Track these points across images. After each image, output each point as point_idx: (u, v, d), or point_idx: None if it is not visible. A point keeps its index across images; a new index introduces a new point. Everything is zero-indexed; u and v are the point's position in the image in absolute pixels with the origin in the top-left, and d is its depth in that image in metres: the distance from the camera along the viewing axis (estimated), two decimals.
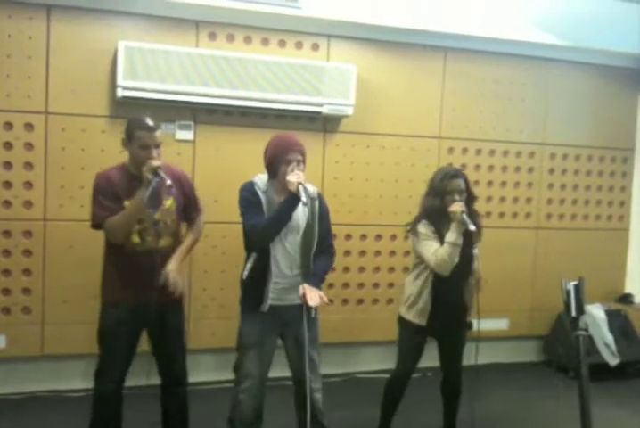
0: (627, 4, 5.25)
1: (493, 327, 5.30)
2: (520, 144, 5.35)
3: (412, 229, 3.48)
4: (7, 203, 4.15)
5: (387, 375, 3.68)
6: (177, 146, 4.46)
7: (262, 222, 3.04)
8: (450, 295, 3.43)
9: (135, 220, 3.02)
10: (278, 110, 4.52)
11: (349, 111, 4.66)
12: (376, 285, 5.01)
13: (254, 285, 3.12)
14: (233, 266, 4.29)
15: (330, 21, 4.60)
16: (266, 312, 3.11)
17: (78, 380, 4.22)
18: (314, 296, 3.06)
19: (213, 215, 4.47)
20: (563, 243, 5.49)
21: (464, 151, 5.19)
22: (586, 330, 2.69)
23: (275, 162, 3.10)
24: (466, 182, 3.44)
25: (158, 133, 3.06)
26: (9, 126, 4.13)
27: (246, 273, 3.15)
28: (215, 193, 4.47)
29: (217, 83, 4.32)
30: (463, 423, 3.76)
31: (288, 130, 4.24)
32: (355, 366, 4.99)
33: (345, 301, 4.92)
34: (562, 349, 5.21)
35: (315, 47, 4.74)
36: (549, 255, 5.46)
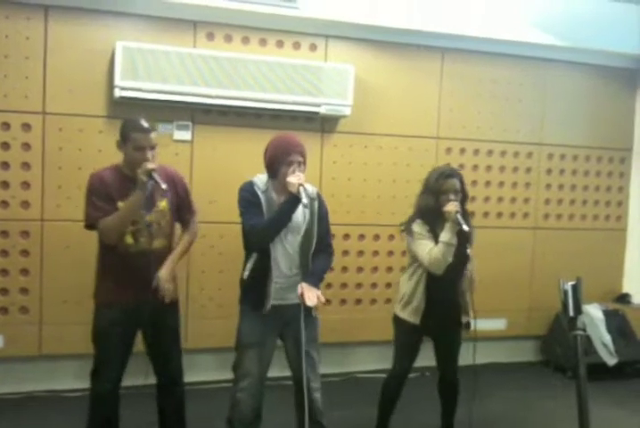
0: (626, 5, 5.26)
1: (491, 327, 5.31)
2: (517, 144, 5.36)
3: (406, 228, 3.49)
4: (4, 203, 4.15)
5: (385, 375, 3.68)
6: (175, 146, 4.46)
7: (261, 222, 3.04)
8: (444, 294, 3.43)
9: (129, 221, 3.02)
10: (276, 110, 4.52)
11: (347, 111, 4.66)
12: (374, 285, 5.01)
13: (255, 285, 3.12)
14: (231, 266, 4.29)
15: (327, 22, 4.60)
16: (267, 311, 3.11)
17: (76, 380, 4.22)
18: (311, 296, 3.06)
19: (210, 215, 4.48)
20: (561, 243, 5.49)
21: (462, 151, 5.19)
22: (584, 330, 2.69)
23: (276, 163, 3.10)
24: (461, 182, 3.44)
25: (153, 134, 3.06)
26: (6, 126, 4.12)
27: (247, 273, 3.15)
28: (212, 193, 4.48)
29: (215, 83, 4.32)
30: (461, 423, 3.77)
31: (286, 130, 4.25)
32: (353, 365, 5.00)
33: (343, 301, 4.92)
34: (559, 349, 5.22)
35: (313, 48, 4.74)
36: (547, 255, 5.46)
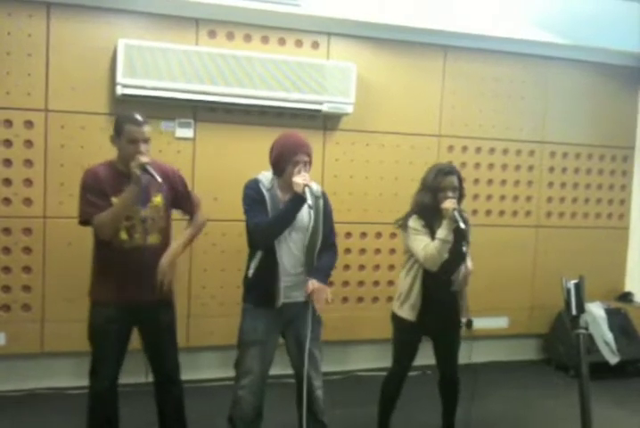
0: (627, 3, 5.24)
1: (492, 325, 5.32)
2: (519, 142, 5.35)
3: (402, 224, 3.49)
4: (7, 201, 4.15)
5: (386, 373, 3.68)
6: (177, 144, 4.46)
7: (266, 221, 3.05)
8: (441, 292, 3.43)
9: (124, 217, 3.00)
10: (278, 108, 4.52)
11: (349, 109, 4.66)
12: (376, 283, 5.01)
13: (261, 283, 3.12)
14: (233, 264, 4.32)
15: (330, 19, 4.60)
16: (269, 309, 3.11)
17: (78, 377, 4.20)
18: (321, 297, 3.09)
19: (213, 213, 4.45)
20: (563, 242, 5.49)
21: (464, 149, 5.19)
22: (587, 328, 2.69)
23: (282, 162, 3.10)
24: (459, 179, 3.44)
25: (146, 128, 3.04)
26: (9, 123, 4.12)
27: (251, 271, 3.15)
28: (215, 191, 4.47)
29: (217, 81, 4.32)
30: (462, 422, 3.77)
31: (288, 128, 4.25)
32: (355, 363, 5.00)
33: (345, 299, 4.92)
34: (561, 348, 5.22)
35: (315, 45, 4.73)
36: (549, 253, 5.46)
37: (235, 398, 3.16)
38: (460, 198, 3.44)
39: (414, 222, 3.41)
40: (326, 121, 4.80)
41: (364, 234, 4.96)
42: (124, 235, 3.04)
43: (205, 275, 4.57)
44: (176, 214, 3.32)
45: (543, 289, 5.39)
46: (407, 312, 3.44)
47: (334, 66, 4.61)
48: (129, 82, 4.13)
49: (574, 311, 2.74)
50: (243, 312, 3.21)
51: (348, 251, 4.86)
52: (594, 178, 5.62)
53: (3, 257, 4.17)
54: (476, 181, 5.22)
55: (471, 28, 4.88)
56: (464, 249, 3.41)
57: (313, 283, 3.11)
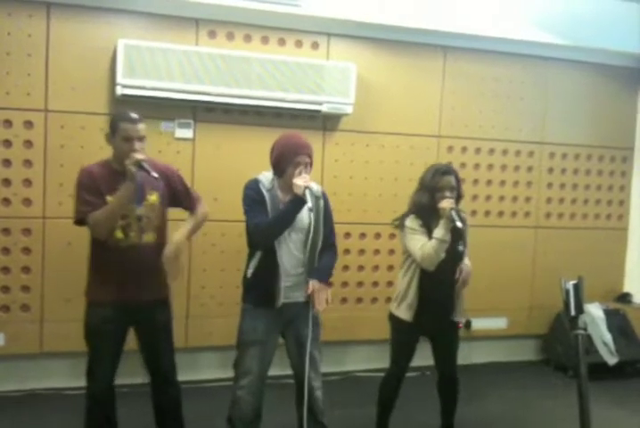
0: (627, 4, 5.25)
1: (491, 326, 5.32)
2: (519, 142, 5.35)
3: (399, 224, 3.49)
4: (6, 201, 4.15)
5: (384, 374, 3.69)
6: (177, 144, 4.46)
7: (265, 222, 3.05)
8: (438, 292, 3.43)
9: (119, 215, 2.99)
10: (278, 108, 4.52)
11: (349, 109, 4.66)
12: (375, 284, 5.02)
13: (260, 283, 3.12)
14: (233, 264, 4.32)
15: (330, 20, 4.60)
16: (269, 309, 3.11)
17: (77, 377, 4.17)
18: (322, 299, 3.10)
19: (212, 213, 4.43)
20: (562, 242, 5.49)
21: (464, 149, 5.19)
22: (585, 329, 2.69)
23: (283, 162, 3.10)
24: (457, 179, 3.44)
25: (141, 126, 3.03)
26: (8, 123, 4.12)
27: (250, 271, 3.15)
28: (214, 192, 4.47)
29: (217, 81, 4.32)
30: (462, 422, 3.77)
31: (288, 128, 4.25)
32: (354, 364, 5.00)
33: (344, 300, 4.92)
34: (560, 348, 5.22)
35: (315, 46, 4.73)
36: (548, 254, 5.46)
37: (234, 398, 3.16)
38: (458, 198, 3.44)
39: (411, 222, 3.42)
40: (326, 122, 4.80)
41: (363, 235, 4.96)
42: (119, 234, 3.03)
43: (204, 275, 4.57)
44: (172, 214, 3.31)
45: (542, 290, 5.40)
46: (404, 312, 3.45)
47: (334, 66, 4.61)
48: (129, 82, 4.13)
49: (573, 312, 2.74)
50: (243, 312, 3.21)
51: (347, 251, 4.86)
52: (594, 179, 5.63)
53: (2, 257, 4.17)
54: (475, 182, 5.23)
55: (471, 29, 4.89)
56: (461, 248, 3.42)
57: (313, 284, 3.11)
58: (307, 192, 3.03)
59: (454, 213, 3.22)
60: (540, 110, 5.40)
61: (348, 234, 4.87)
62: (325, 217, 3.25)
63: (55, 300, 4.22)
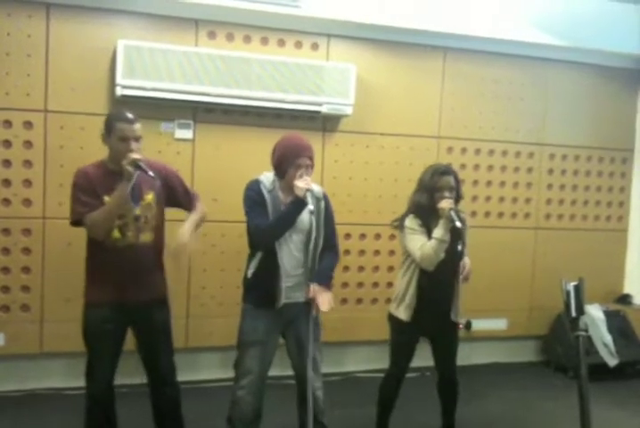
0: (626, 5, 5.25)
1: (491, 327, 5.32)
2: (519, 144, 5.35)
3: (399, 224, 3.49)
4: (6, 201, 4.15)
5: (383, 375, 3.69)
6: (177, 145, 4.46)
7: (266, 223, 3.05)
8: (437, 292, 3.43)
9: (117, 215, 2.98)
10: (278, 109, 4.52)
11: (349, 110, 4.66)
12: (375, 285, 5.01)
13: (261, 284, 3.12)
14: (233, 265, 4.32)
15: (329, 21, 4.60)
16: (270, 310, 3.11)
17: (77, 378, 4.17)
18: (325, 301, 3.11)
19: (212, 214, 4.44)
20: (562, 244, 5.49)
21: (463, 150, 5.19)
22: (586, 330, 2.68)
23: (284, 164, 3.10)
24: (456, 179, 3.44)
25: (137, 125, 3.03)
26: (8, 124, 4.12)
27: (251, 271, 3.15)
28: (214, 192, 4.47)
29: (217, 82, 4.32)
30: (462, 423, 3.77)
31: (288, 129, 4.25)
32: (354, 365, 5.00)
33: (344, 301, 4.92)
34: (560, 349, 5.22)
35: (315, 47, 4.74)
36: (548, 255, 5.46)
37: (234, 398, 3.16)
38: (458, 199, 3.45)
39: (410, 222, 3.42)
40: (326, 123, 4.80)
41: (363, 236, 4.96)
42: (117, 234, 3.03)
43: (204, 275, 4.57)
44: (171, 214, 3.31)
45: (542, 291, 5.40)
46: (403, 312, 3.45)
47: (334, 67, 4.61)
48: (129, 83, 4.13)
49: (573, 313, 2.73)
50: (243, 312, 3.21)
51: (347, 252, 4.86)
52: (594, 180, 5.63)
53: (2, 257, 4.16)
54: (475, 183, 5.23)
55: (471, 30, 4.89)
56: (460, 248, 3.41)
57: (314, 288, 3.11)
58: (309, 194, 3.03)
59: (453, 213, 3.23)
60: (540, 111, 5.40)
61: (348, 235, 4.86)
62: (326, 218, 3.25)
63: (55, 300, 4.21)
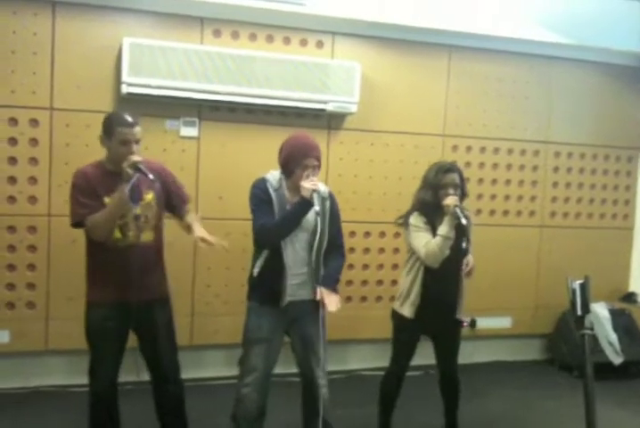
0: (631, 3, 5.23)
1: (496, 325, 5.32)
2: (524, 142, 5.34)
3: (404, 221, 3.49)
4: (12, 199, 4.16)
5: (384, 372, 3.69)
6: (182, 143, 4.46)
7: (272, 222, 3.05)
8: (442, 290, 3.43)
9: (118, 217, 2.99)
10: (283, 107, 4.52)
11: (354, 108, 4.66)
12: (380, 282, 5.01)
13: (266, 282, 3.12)
14: (238, 263, 4.33)
15: (334, 19, 4.59)
16: (274, 308, 3.11)
17: (82, 375, 4.19)
18: (333, 301, 3.11)
19: (217, 212, 4.48)
20: (567, 242, 5.48)
21: (468, 149, 5.18)
22: (592, 329, 2.69)
23: (292, 164, 3.09)
24: (461, 177, 3.44)
25: (138, 128, 3.03)
26: (14, 121, 4.13)
27: (256, 270, 3.15)
28: (219, 190, 4.48)
29: (222, 80, 4.32)
30: (465, 421, 3.77)
31: (292, 127, 4.27)
32: (358, 363, 5.00)
33: (349, 298, 4.92)
34: (565, 348, 5.21)
35: (320, 45, 4.73)
36: (553, 253, 5.45)
37: (239, 396, 3.16)
38: (462, 197, 3.44)
39: (415, 219, 3.42)
40: (331, 121, 4.80)
41: (367, 234, 4.96)
42: (118, 234, 3.03)
43: (209, 273, 4.57)
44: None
45: (547, 289, 5.39)
46: (407, 310, 3.45)
47: (339, 65, 4.61)
48: (134, 81, 4.14)
49: (579, 311, 2.73)
50: (248, 310, 3.22)
51: (352, 250, 4.85)
52: (599, 179, 5.62)
53: (7, 254, 4.18)
54: (480, 181, 5.22)
55: (476, 28, 4.88)
56: (464, 245, 3.41)
57: (321, 292, 3.11)
58: (315, 195, 3.03)
59: (458, 210, 3.22)
60: (545, 109, 5.39)
61: (352, 233, 4.86)
62: (332, 217, 3.25)
63: (60, 297, 4.22)
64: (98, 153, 3.30)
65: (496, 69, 5.20)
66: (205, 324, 4.56)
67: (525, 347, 5.54)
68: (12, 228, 4.17)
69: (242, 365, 3.19)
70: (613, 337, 5.10)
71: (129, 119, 3.02)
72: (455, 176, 3.39)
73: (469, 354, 4.89)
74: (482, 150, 5.22)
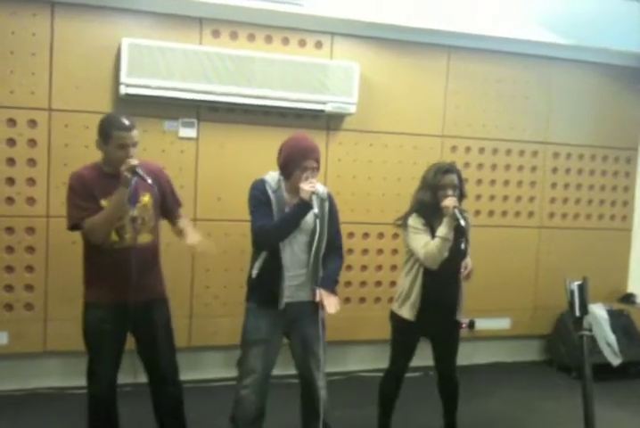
0: (630, 3, 5.23)
1: (495, 326, 5.31)
2: (523, 142, 5.34)
3: (402, 223, 3.49)
4: (10, 200, 4.15)
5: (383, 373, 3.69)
6: (180, 144, 4.46)
7: (270, 224, 3.05)
8: (441, 291, 3.43)
9: (116, 219, 2.98)
10: (281, 107, 4.52)
11: (352, 108, 4.65)
12: (378, 284, 5.01)
13: (265, 283, 3.12)
14: (236, 264, 4.33)
15: (333, 19, 4.59)
16: (273, 309, 3.11)
17: (81, 377, 4.17)
18: (331, 303, 3.11)
19: (216, 213, 4.48)
20: (566, 243, 5.48)
21: (467, 149, 5.18)
22: (590, 330, 2.69)
23: (291, 165, 3.09)
24: (459, 178, 3.44)
25: (135, 132, 3.01)
26: (12, 122, 4.12)
27: (255, 271, 3.14)
28: (218, 191, 4.48)
29: (221, 80, 4.32)
30: (464, 422, 3.77)
31: (291, 128, 4.26)
32: (356, 364, 5.00)
33: (347, 300, 4.91)
34: (564, 349, 5.21)
35: (319, 45, 4.73)
36: (552, 254, 5.45)
37: (238, 397, 3.16)
38: (461, 198, 3.44)
39: (413, 220, 3.42)
40: (329, 121, 4.79)
41: (366, 235, 4.95)
42: (114, 236, 3.02)
43: (208, 275, 4.57)
44: None
45: (545, 290, 5.39)
46: (407, 311, 3.44)
47: (337, 66, 4.61)
48: (133, 81, 4.13)
49: (577, 313, 2.74)
50: (247, 311, 3.21)
51: (350, 251, 4.85)
52: (598, 179, 5.62)
53: (6, 256, 4.17)
54: (479, 181, 5.22)
55: (475, 29, 4.87)
56: (463, 247, 3.41)
57: (321, 294, 3.11)
58: (314, 197, 3.03)
59: (457, 211, 3.22)
60: (544, 109, 5.39)
61: (351, 234, 4.86)
62: (331, 218, 3.25)
63: (59, 299, 4.21)
64: (97, 154, 3.29)
65: (495, 70, 5.20)
66: (204, 325, 4.56)
67: (524, 348, 5.54)
68: (10, 229, 4.16)
69: (240, 366, 3.19)
70: (612, 338, 5.11)
71: (126, 122, 3.00)
72: (453, 177, 3.40)
73: (468, 355, 4.90)
74: (481, 150, 5.23)
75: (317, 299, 3.10)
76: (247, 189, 3.19)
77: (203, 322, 4.56)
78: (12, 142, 4.13)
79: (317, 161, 3.12)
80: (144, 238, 3.11)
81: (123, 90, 4.14)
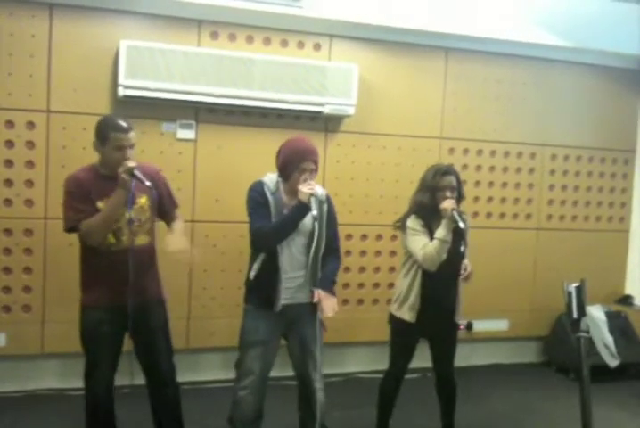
0: (629, 6, 5.25)
1: (493, 328, 5.32)
2: (521, 144, 5.35)
3: (401, 225, 3.50)
4: (8, 201, 4.15)
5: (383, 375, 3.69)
6: (179, 145, 4.46)
7: (268, 226, 3.05)
8: (440, 292, 3.43)
9: (113, 221, 2.98)
10: (280, 109, 4.52)
11: (351, 110, 4.66)
12: (376, 285, 5.01)
13: (262, 285, 3.12)
14: (234, 265, 4.33)
15: (332, 21, 4.60)
16: (271, 311, 3.11)
17: (78, 378, 4.18)
18: (329, 306, 3.12)
19: (213, 214, 4.49)
20: (564, 245, 5.49)
21: (465, 151, 5.19)
22: (588, 332, 2.69)
23: (289, 167, 3.10)
24: (458, 179, 3.45)
25: (132, 134, 3.01)
26: (10, 124, 4.12)
27: (253, 273, 3.15)
28: (216, 193, 4.48)
29: (219, 82, 4.32)
30: (463, 424, 3.77)
31: (290, 130, 4.26)
32: (354, 365, 5.00)
33: (345, 301, 4.91)
34: (562, 350, 5.21)
35: (317, 47, 4.73)
36: (550, 256, 5.46)
37: (236, 398, 3.16)
38: (459, 199, 3.45)
39: (412, 222, 3.42)
40: (328, 123, 4.80)
41: (364, 236, 4.96)
42: (111, 238, 3.02)
43: (205, 276, 4.57)
44: None
45: (543, 291, 5.39)
46: (407, 313, 3.44)
47: (336, 68, 4.61)
48: (131, 83, 4.13)
49: (575, 314, 2.74)
50: (245, 313, 3.22)
51: (348, 252, 4.85)
52: (595, 181, 5.63)
53: (4, 258, 4.17)
54: (477, 183, 5.23)
55: (473, 31, 4.89)
56: (462, 248, 3.42)
57: (319, 295, 3.11)
58: (313, 199, 3.03)
59: (456, 214, 3.23)
60: (542, 111, 5.39)
61: (349, 236, 4.86)
62: (329, 220, 3.25)
63: (57, 300, 4.21)
64: (95, 156, 3.29)
65: (494, 72, 5.21)
66: (201, 326, 4.56)
67: (522, 349, 5.54)
68: (8, 231, 4.16)
69: (238, 368, 3.19)
70: (609, 340, 5.11)
71: (124, 124, 3.00)
72: (452, 179, 3.40)
73: (466, 357, 4.90)
74: (479, 152, 5.23)
75: (316, 300, 3.11)
76: (245, 191, 3.20)
77: (201, 323, 4.56)
78: (10, 144, 4.13)
79: (316, 163, 3.12)
80: (141, 240, 3.11)
81: (121, 92, 4.14)
